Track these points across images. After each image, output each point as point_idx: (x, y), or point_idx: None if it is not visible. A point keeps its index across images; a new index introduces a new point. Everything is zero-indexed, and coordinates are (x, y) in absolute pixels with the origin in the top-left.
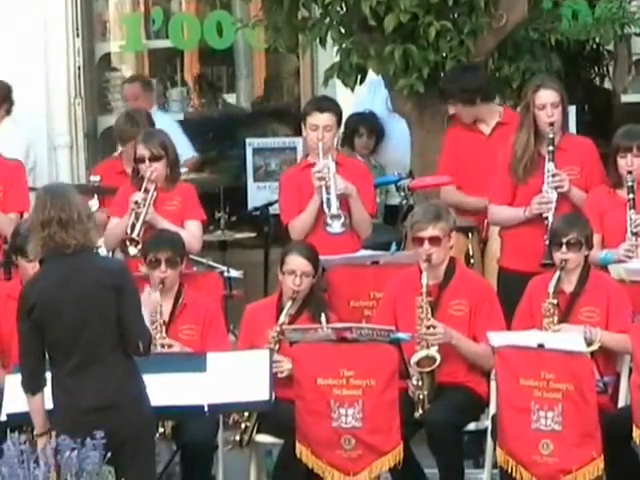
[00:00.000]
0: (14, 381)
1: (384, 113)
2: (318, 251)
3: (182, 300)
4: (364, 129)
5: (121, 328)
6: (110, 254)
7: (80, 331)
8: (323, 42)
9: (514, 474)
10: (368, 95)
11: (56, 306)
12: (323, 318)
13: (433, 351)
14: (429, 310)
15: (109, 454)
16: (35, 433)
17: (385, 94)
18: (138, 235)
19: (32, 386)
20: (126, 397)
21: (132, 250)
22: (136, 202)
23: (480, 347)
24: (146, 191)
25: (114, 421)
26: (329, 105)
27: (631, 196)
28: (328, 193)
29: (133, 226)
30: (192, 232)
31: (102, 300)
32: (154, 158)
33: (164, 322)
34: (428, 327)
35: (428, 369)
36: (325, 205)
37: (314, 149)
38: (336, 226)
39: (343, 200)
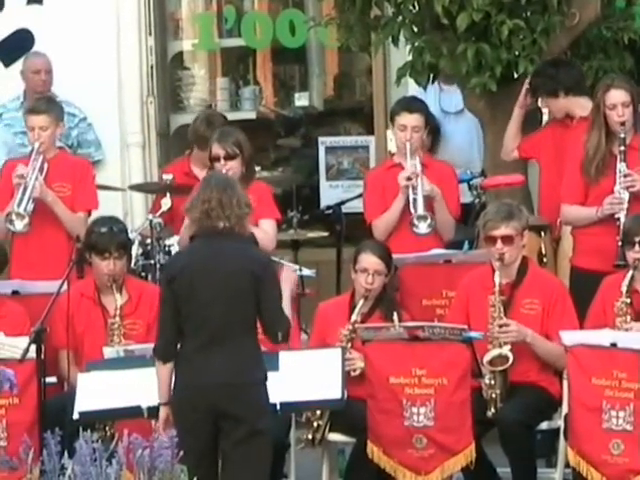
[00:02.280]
0: (87, 379)
1: (436, 114)
2: (398, 250)
3: None
4: None
5: (260, 317)
6: None
7: (212, 310)
8: (395, 41)
9: (585, 474)
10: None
11: (194, 282)
12: (395, 317)
13: (506, 350)
14: (502, 309)
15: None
16: (159, 402)
17: (437, 94)
18: None
19: (165, 354)
20: (248, 380)
21: None
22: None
23: (554, 346)
24: None
25: (233, 401)
26: (418, 106)
27: None
28: (415, 193)
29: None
30: (266, 231)
31: (239, 285)
32: (229, 157)
33: None
34: (501, 326)
35: (500, 368)
36: (412, 206)
37: (401, 149)
38: (422, 227)
39: (427, 201)
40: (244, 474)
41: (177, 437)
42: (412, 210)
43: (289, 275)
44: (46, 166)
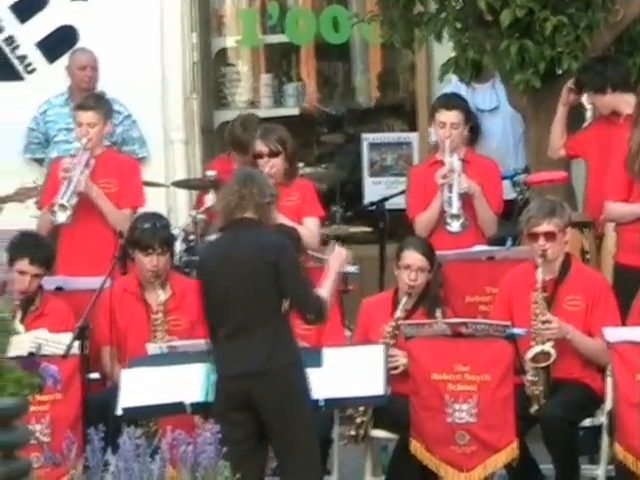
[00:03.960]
0: (130, 376)
1: None
2: (436, 247)
3: None
4: None
5: (289, 302)
6: None
7: (232, 300)
8: (439, 37)
9: (634, 469)
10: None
11: (215, 273)
12: (439, 313)
13: (548, 346)
14: (544, 305)
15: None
16: None
17: (470, 93)
18: None
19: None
20: (275, 365)
21: None
22: (215, 199)
23: (595, 342)
24: None
25: (262, 388)
26: (457, 103)
27: None
28: (450, 192)
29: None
30: (309, 228)
31: (255, 273)
32: (272, 154)
33: None
34: (543, 322)
35: (543, 364)
36: (446, 204)
37: (442, 146)
38: (455, 226)
39: (467, 199)
40: (294, 460)
41: (220, 430)
42: (446, 208)
43: (340, 253)
44: (93, 162)
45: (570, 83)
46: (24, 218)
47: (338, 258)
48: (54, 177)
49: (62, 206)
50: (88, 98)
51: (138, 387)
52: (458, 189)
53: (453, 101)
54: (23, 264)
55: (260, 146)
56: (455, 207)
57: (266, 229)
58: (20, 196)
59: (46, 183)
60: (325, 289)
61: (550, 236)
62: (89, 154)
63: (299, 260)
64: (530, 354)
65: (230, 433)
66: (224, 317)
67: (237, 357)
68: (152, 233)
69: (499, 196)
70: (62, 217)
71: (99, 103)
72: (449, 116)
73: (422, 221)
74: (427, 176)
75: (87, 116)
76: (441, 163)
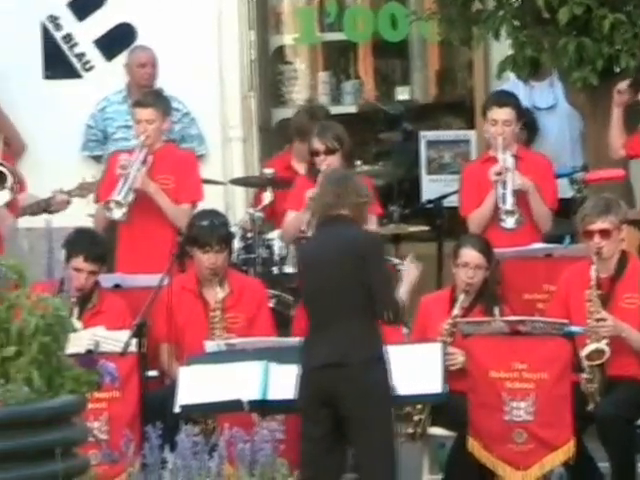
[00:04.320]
0: (188, 373)
1: None
2: (493, 244)
3: None
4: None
5: (372, 297)
6: (285, 249)
7: (321, 293)
8: (497, 35)
9: None
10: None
11: (308, 268)
12: (496, 311)
13: (603, 344)
14: (599, 303)
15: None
16: None
17: (528, 91)
18: None
19: None
20: (356, 359)
21: None
22: (312, 198)
23: None
24: None
25: (342, 381)
26: (508, 100)
27: None
28: (504, 188)
29: (309, 222)
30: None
31: (345, 267)
32: (329, 151)
33: None
34: (598, 320)
35: (598, 362)
36: (500, 200)
37: (495, 144)
38: (510, 222)
39: (521, 194)
40: (371, 458)
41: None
42: (500, 205)
43: (416, 267)
44: (151, 159)
45: (620, 85)
46: (82, 216)
47: (414, 271)
48: (111, 171)
49: (118, 203)
50: (146, 95)
51: (196, 385)
52: (512, 185)
53: (505, 98)
54: (78, 261)
55: (317, 143)
56: (509, 203)
57: (359, 227)
58: (81, 191)
59: (103, 177)
60: (402, 295)
61: (605, 234)
62: (146, 151)
63: (386, 261)
64: (585, 352)
65: (308, 430)
66: (314, 309)
67: (321, 348)
68: (210, 230)
69: (553, 192)
70: (117, 214)
71: (157, 100)
72: (501, 113)
73: (475, 218)
74: (480, 174)
75: (145, 113)
76: (494, 160)
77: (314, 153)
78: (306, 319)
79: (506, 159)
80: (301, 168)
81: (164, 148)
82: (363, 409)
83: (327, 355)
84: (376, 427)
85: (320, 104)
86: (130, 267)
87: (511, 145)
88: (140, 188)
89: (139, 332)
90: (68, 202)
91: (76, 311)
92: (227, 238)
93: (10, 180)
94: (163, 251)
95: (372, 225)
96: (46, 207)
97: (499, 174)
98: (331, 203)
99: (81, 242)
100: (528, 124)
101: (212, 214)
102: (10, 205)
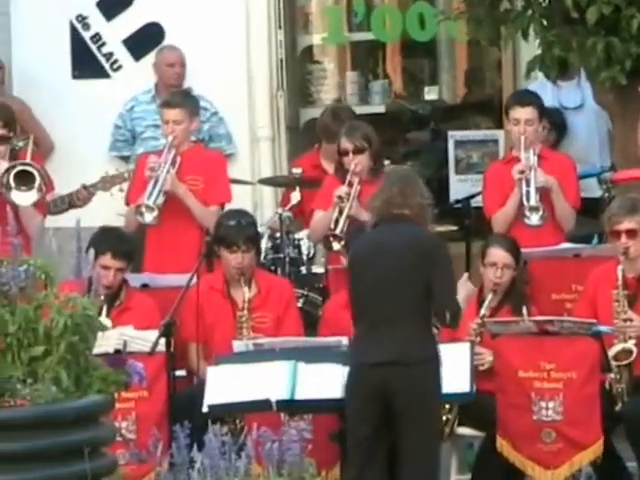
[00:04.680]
0: (216, 373)
1: None
2: (519, 243)
3: None
4: (547, 123)
5: (431, 297)
6: (313, 248)
7: (380, 291)
8: (525, 34)
9: None
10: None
11: (365, 265)
12: (524, 311)
13: (630, 344)
14: (625, 303)
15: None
16: None
17: (555, 90)
18: (342, 231)
19: None
20: (413, 358)
21: (335, 245)
22: (340, 197)
23: None
24: (350, 185)
25: (399, 378)
26: (530, 99)
27: None
28: (528, 186)
29: (337, 221)
30: None
31: (408, 265)
32: (357, 151)
33: None
34: (625, 320)
35: (625, 362)
36: (524, 197)
37: (517, 143)
38: (534, 218)
39: (544, 193)
40: (415, 457)
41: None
42: (525, 202)
43: (465, 285)
44: (179, 159)
45: None
46: (111, 215)
47: (463, 287)
48: (141, 173)
49: (148, 207)
50: (174, 95)
51: (224, 384)
52: (535, 183)
53: (527, 97)
54: (106, 259)
55: (345, 143)
56: (533, 199)
57: (422, 227)
58: (104, 185)
59: (133, 179)
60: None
61: (632, 233)
62: (175, 152)
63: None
64: (612, 352)
65: (355, 428)
66: (370, 307)
67: (378, 346)
68: (237, 230)
69: (576, 191)
70: (149, 218)
71: (185, 100)
72: (523, 113)
73: (500, 218)
74: (503, 174)
75: (173, 113)
76: (517, 160)
77: (343, 152)
78: (355, 316)
79: (529, 157)
80: (330, 168)
81: (192, 149)
82: (417, 408)
83: (385, 353)
84: (426, 426)
85: (345, 105)
86: (158, 267)
87: (534, 144)
88: (170, 190)
89: (167, 332)
90: (90, 197)
91: (104, 309)
92: (254, 238)
93: (38, 181)
94: (191, 251)
95: None
96: (71, 202)
97: (522, 172)
98: (395, 202)
99: (108, 239)
100: (557, 124)
101: (239, 214)
102: (38, 205)
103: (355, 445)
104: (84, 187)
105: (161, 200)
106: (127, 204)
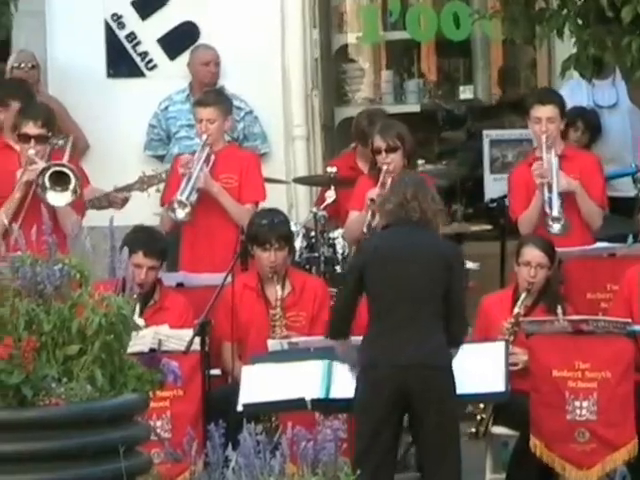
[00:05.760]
0: (251, 372)
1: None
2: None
3: None
4: (582, 123)
5: (446, 302)
6: (348, 248)
7: (406, 289)
8: (560, 33)
9: None
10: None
11: (388, 265)
12: (559, 310)
13: None
14: None
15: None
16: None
17: (589, 89)
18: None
19: (339, 331)
20: (438, 363)
21: None
22: (372, 199)
23: None
24: (382, 185)
25: (422, 382)
26: (551, 97)
27: None
28: (550, 192)
29: (370, 224)
30: None
31: (433, 272)
32: (390, 149)
33: None
34: None
35: None
36: (547, 205)
37: (539, 142)
38: (556, 228)
39: (570, 196)
40: (440, 458)
41: (357, 424)
42: (547, 210)
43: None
44: (213, 158)
45: None
46: (145, 215)
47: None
48: (176, 174)
49: (181, 203)
50: (207, 94)
51: (259, 383)
52: (557, 188)
53: (548, 96)
54: (138, 257)
55: (378, 141)
56: (556, 209)
57: (438, 233)
58: (141, 185)
59: (168, 180)
60: None
61: None
62: (209, 150)
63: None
64: None
65: (369, 428)
66: (392, 308)
67: (398, 349)
68: (269, 229)
69: (601, 188)
70: (181, 214)
71: (219, 99)
72: (544, 111)
73: (524, 222)
74: (527, 175)
75: (207, 112)
76: (540, 160)
77: (375, 151)
78: (373, 316)
79: (550, 159)
80: (365, 166)
81: (227, 148)
82: (439, 411)
83: (412, 354)
84: (448, 431)
85: (379, 108)
86: (194, 266)
87: (556, 143)
88: (203, 188)
89: (202, 331)
90: (126, 199)
91: (137, 308)
92: (287, 236)
93: (73, 182)
94: (226, 250)
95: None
96: (104, 203)
97: (543, 176)
98: (409, 206)
99: (140, 238)
100: (592, 125)
101: (272, 212)
102: (75, 204)
103: (368, 444)
104: (115, 190)
105: (194, 197)
106: (162, 205)
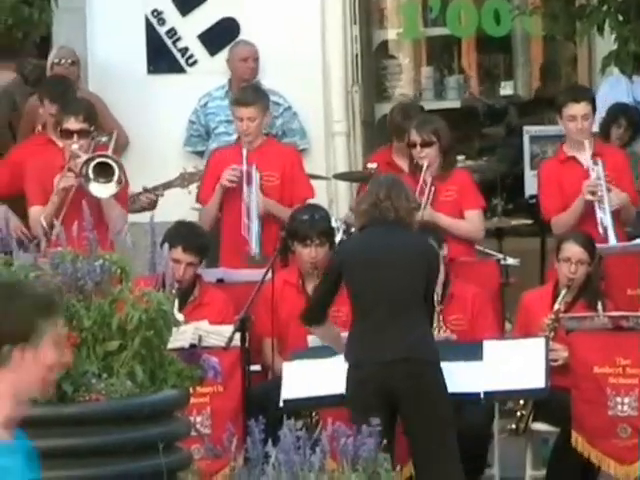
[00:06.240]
0: (291, 368)
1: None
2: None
3: (449, 290)
4: (624, 120)
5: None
6: None
7: (385, 290)
8: (601, 30)
9: None
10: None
11: (364, 264)
12: (599, 306)
13: None
14: None
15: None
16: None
17: (629, 85)
18: None
19: (317, 317)
20: (418, 354)
21: None
22: (358, 201)
23: None
24: (424, 183)
25: (402, 377)
26: (584, 94)
27: None
28: (601, 209)
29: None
30: (472, 221)
31: (410, 267)
32: (425, 144)
33: None
34: None
35: None
36: (600, 225)
37: (573, 140)
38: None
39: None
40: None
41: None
42: (600, 229)
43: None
44: (256, 174)
45: None
46: (184, 210)
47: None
48: (212, 171)
49: (255, 253)
50: (245, 92)
51: (299, 379)
52: (609, 207)
53: (580, 93)
54: (177, 252)
55: (414, 135)
56: (611, 233)
57: (414, 231)
58: (182, 182)
59: (204, 176)
60: None
61: None
62: (253, 171)
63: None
64: None
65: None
66: (375, 306)
67: (383, 344)
68: (310, 224)
69: (632, 184)
70: (256, 251)
71: (258, 96)
72: (579, 108)
73: (560, 223)
74: (560, 173)
75: (248, 111)
76: (573, 161)
77: (411, 145)
78: (357, 315)
79: (598, 171)
80: (402, 162)
81: (265, 143)
82: (427, 407)
83: (398, 349)
84: (438, 427)
85: (414, 102)
86: (233, 262)
87: (589, 140)
88: (263, 212)
89: (242, 326)
90: (154, 201)
91: (176, 304)
92: (327, 232)
93: (117, 173)
94: (266, 246)
95: (478, 220)
96: (136, 207)
97: (594, 193)
98: (383, 205)
99: (180, 233)
100: (634, 122)
101: (313, 208)
102: (120, 197)
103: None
104: (145, 190)
105: (257, 229)
106: (198, 201)
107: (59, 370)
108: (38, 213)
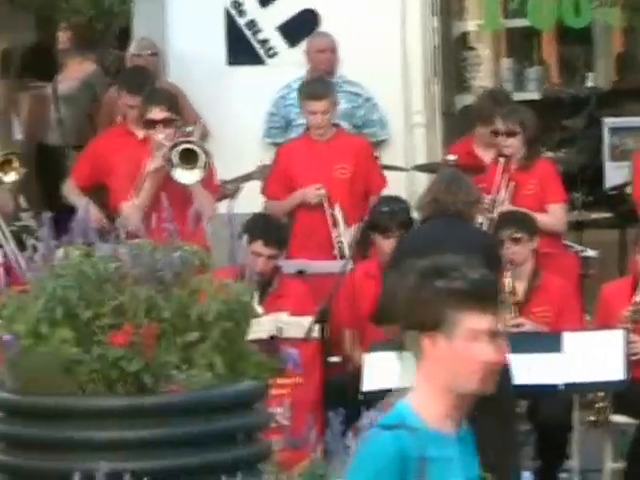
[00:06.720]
0: (372, 359)
1: None
2: None
3: (538, 281)
4: None
5: None
6: None
7: None
8: None
9: None
10: None
11: (424, 255)
12: None
13: None
14: None
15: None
16: None
17: None
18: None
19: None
20: None
21: None
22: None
23: None
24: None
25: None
26: None
27: None
28: None
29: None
30: (554, 215)
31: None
32: (509, 133)
33: (517, 302)
34: None
35: None
36: None
37: None
38: None
39: None
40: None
41: None
42: None
43: None
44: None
45: None
46: (262, 201)
47: None
48: (280, 165)
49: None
50: (316, 86)
51: (379, 371)
52: None
53: None
54: (258, 245)
55: (499, 123)
56: None
57: (472, 224)
58: (260, 174)
59: (272, 171)
60: None
61: None
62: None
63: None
64: None
65: None
66: None
67: None
68: (390, 216)
69: None
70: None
71: (327, 89)
72: None
73: None
74: None
75: (321, 105)
76: None
77: (495, 132)
78: None
79: None
80: (483, 153)
81: (335, 135)
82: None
83: None
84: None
85: (502, 88)
86: (307, 254)
87: None
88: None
89: (322, 318)
90: (236, 190)
91: (256, 296)
92: (408, 223)
93: (203, 159)
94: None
95: (560, 214)
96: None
97: None
98: (444, 199)
99: (260, 226)
100: None
101: (393, 200)
102: (208, 184)
103: None
104: (223, 182)
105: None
106: (263, 193)
107: (496, 367)
108: (131, 207)
